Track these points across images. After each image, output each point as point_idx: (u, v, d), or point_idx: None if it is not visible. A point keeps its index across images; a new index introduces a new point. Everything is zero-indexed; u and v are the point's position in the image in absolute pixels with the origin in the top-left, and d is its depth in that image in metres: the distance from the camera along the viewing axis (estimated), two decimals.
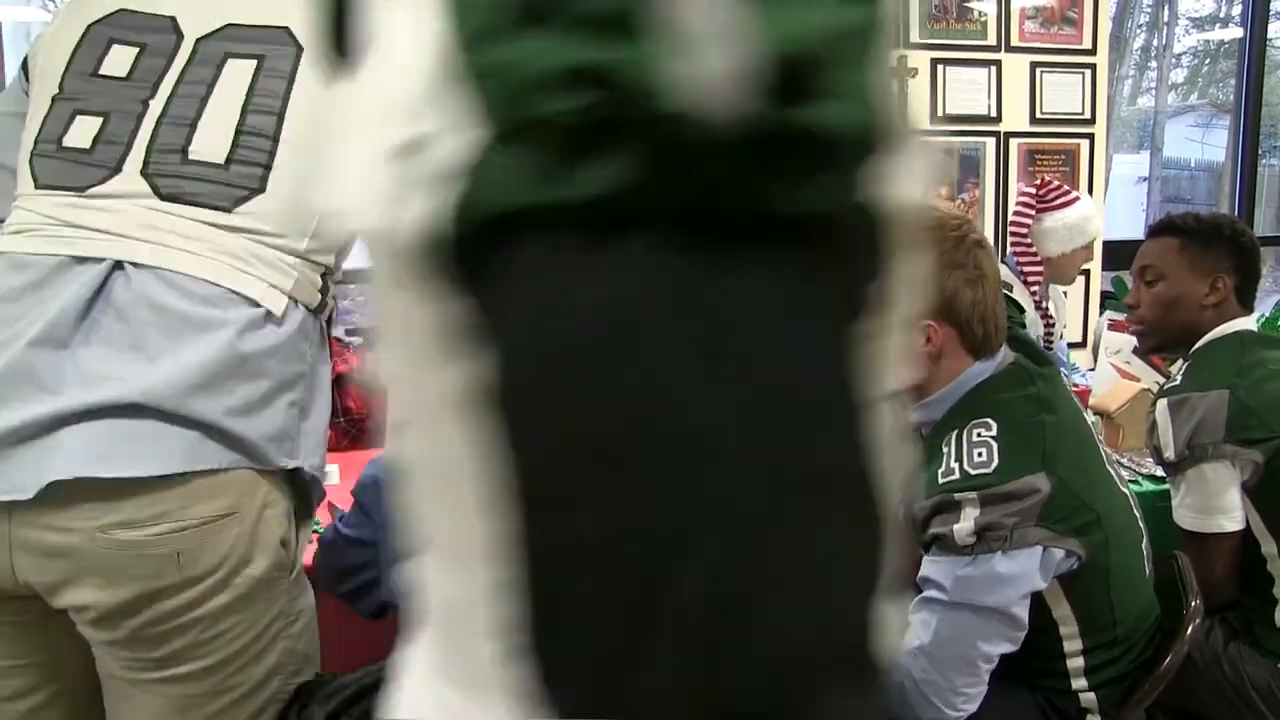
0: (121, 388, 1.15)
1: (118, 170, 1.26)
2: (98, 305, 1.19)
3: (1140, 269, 1.93)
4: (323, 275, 1.35)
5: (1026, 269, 2.79)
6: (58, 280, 1.20)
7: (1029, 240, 2.80)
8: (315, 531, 1.70)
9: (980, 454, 1.43)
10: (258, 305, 1.24)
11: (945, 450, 1.47)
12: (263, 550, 1.25)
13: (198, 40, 1.32)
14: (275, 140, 1.29)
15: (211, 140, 1.27)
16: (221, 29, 1.33)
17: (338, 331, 2.49)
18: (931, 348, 1.49)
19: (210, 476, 1.19)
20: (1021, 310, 2.72)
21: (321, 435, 1.34)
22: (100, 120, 1.28)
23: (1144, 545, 1.58)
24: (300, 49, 1.31)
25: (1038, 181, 2.83)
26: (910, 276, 0.35)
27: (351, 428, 2.51)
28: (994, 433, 1.44)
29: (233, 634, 1.24)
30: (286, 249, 1.28)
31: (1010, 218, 2.86)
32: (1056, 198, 2.81)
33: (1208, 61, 16.15)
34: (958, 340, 1.50)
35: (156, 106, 1.29)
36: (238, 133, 1.28)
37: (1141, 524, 1.59)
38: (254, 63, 1.31)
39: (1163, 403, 1.76)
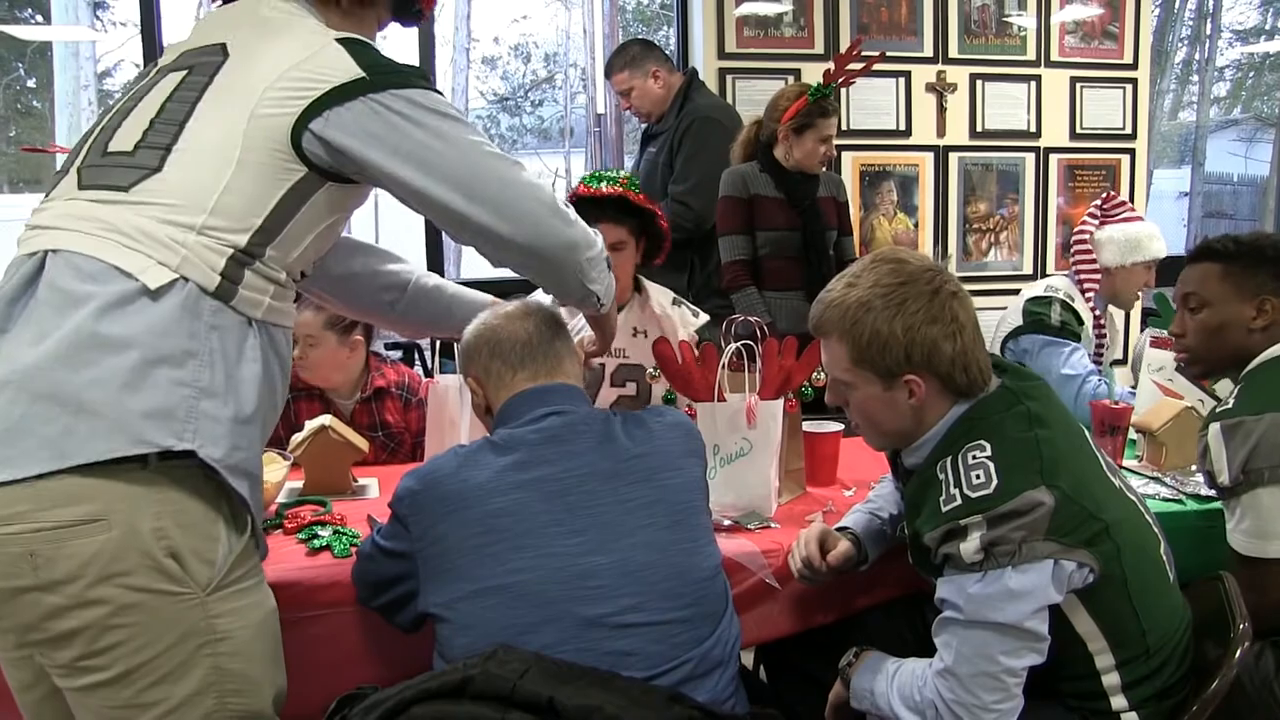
0: (11, 373, 1.22)
1: (65, 174, 1.38)
2: (29, 292, 1.28)
3: (1183, 296, 1.91)
4: (235, 260, 1.32)
5: (1084, 276, 2.84)
6: (11, 277, 1.31)
7: (1089, 247, 2.85)
8: (354, 546, 1.71)
9: (978, 476, 1.43)
10: (134, 279, 1.25)
11: (942, 477, 1.47)
12: (141, 562, 1.23)
13: (156, 71, 1.44)
14: (182, 126, 1.34)
15: (127, 134, 1.36)
16: (179, 56, 1.43)
17: (376, 345, 2.51)
18: (916, 400, 1.51)
19: (70, 479, 1.20)
20: (1080, 322, 2.74)
21: (241, 427, 1.30)
22: (86, 144, 1.41)
23: (1163, 551, 1.57)
24: (226, 57, 1.38)
25: (1104, 195, 2.95)
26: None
27: (390, 441, 2.53)
28: (989, 453, 1.44)
29: (129, 647, 1.24)
30: (179, 224, 1.28)
31: (1076, 227, 2.93)
32: (1120, 212, 2.87)
33: (1251, 75, 15.95)
34: (941, 389, 1.52)
35: (109, 123, 1.40)
36: (150, 124, 1.35)
37: (1157, 530, 1.58)
38: (184, 73, 1.40)
39: (1215, 426, 1.74)
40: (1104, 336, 2.85)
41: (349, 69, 1.35)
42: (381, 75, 1.36)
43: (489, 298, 1.88)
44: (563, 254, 1.46)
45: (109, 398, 1.21)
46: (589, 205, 2.39)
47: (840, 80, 3.16)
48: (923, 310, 1.48)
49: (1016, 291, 3.04)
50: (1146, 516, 1.57)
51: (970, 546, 1.40)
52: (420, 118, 1.37)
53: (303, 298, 1.77)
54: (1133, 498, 1.56)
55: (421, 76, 1.40)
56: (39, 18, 11.81)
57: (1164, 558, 1.56)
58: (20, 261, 1.32)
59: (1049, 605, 1.40)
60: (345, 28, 1.46)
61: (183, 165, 1.31)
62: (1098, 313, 2.83)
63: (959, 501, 1.43)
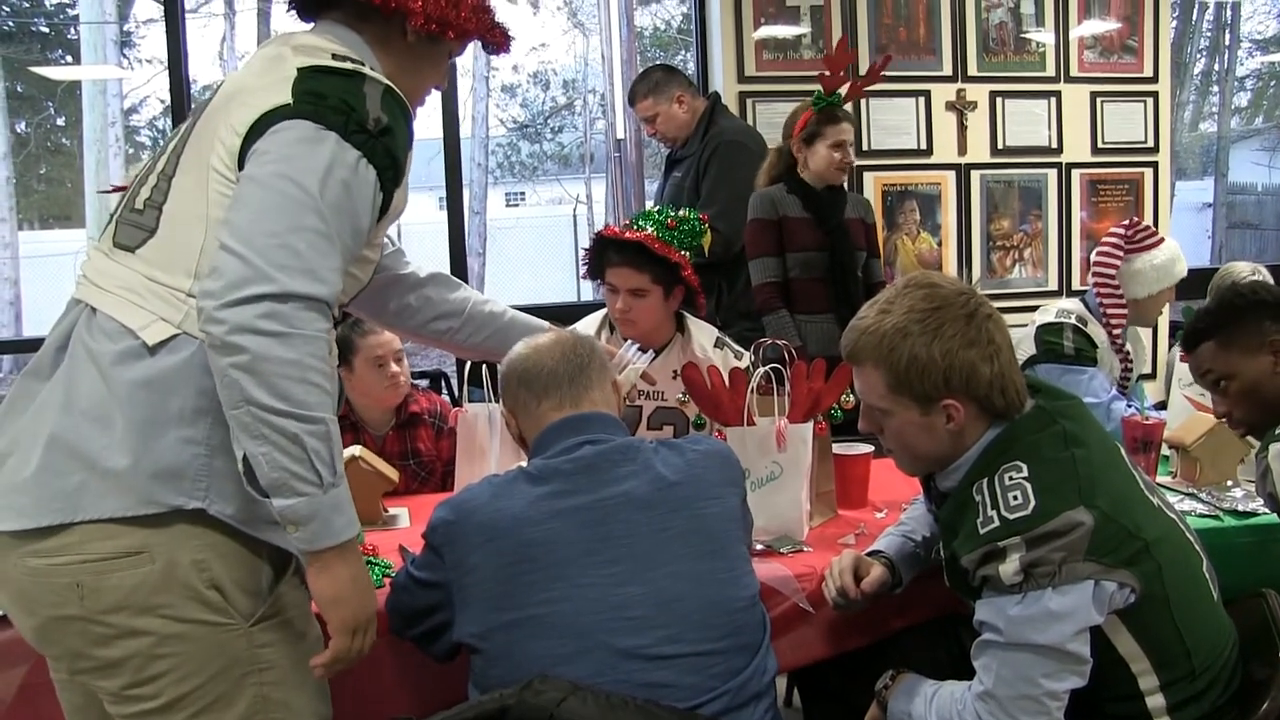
0: (41, 421, 1.27)
1: (111, 220, 1.39)
2: (69, 342, 1.31)
3: (1210, 383, 1.90)
4: None
5: (1111, 311, 2.74)
6: (61, 321, 1.35)
7: (1116, 282, 2.74)
8: (387, 575, 1.72)
9: (1016, 497, 1.42)
10: (136, 336, 1.26)
11: (979, 499, 1.46)
12: (183, 593, 1.26)
13: (194, 110, 1.43)
14: (170, 182, 1.33)
15: (146, 188, 1.36)
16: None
17: (407, 373, 2.52)
18: (955, 425, 1.50)
19: (105, 522, 1.23)
20: (1094, 345, 2.68)
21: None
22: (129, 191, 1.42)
23: (1205, 569, 1.55)
24: (210, 100, 1.38)
25: (1125, 222, 2.79)
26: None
27: (420, 470, 2.54)
28: (1026, 474, 1.44)
29: (175, 675, 1.27)
30: (174, 287, 1.27)
31: (1096, 259, 2.80)
32: (1145, 239, 2.75)
33: (1273, 84, 15.85)
34: (979, 412, 1.51)
35: (144, 171, 1.41)
36: (157, 179, 1.35)
37: (1199, 548, 1.56)
38: (192, 118, 1.39)
39: (1276, 447, 1.72)
40: (1130, 361, 2.80)
41: (283, 96, 1.27)
42: (303, 104, 1.26)
43: (544, 323, 1.88)
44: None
45: (121, 457, 1.23)
46: (612, 247, 2.41)
47: (848, 94, 3.16)
48: (960, 334, 1.47)
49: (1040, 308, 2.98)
50: (1187, 534, 1.55)
51: (1009, 568, 1.39)
52: (286, 152, 1.24)
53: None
54: (1172, 515, 1.54)
55: (345, 111, 1.27)
56: (69, 58, 12.03)
57: (1207, 576, 1.54)
58: (71, 305, 1.35)
59: (1090, 626, 1.39)
60: (407, 65, 1.44)
61: (171, 226, 1.30)
62: (1120, 341, 2.76)
63: (997, 523, 1.42)
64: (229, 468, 1.26)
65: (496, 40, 1.51)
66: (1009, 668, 1.40)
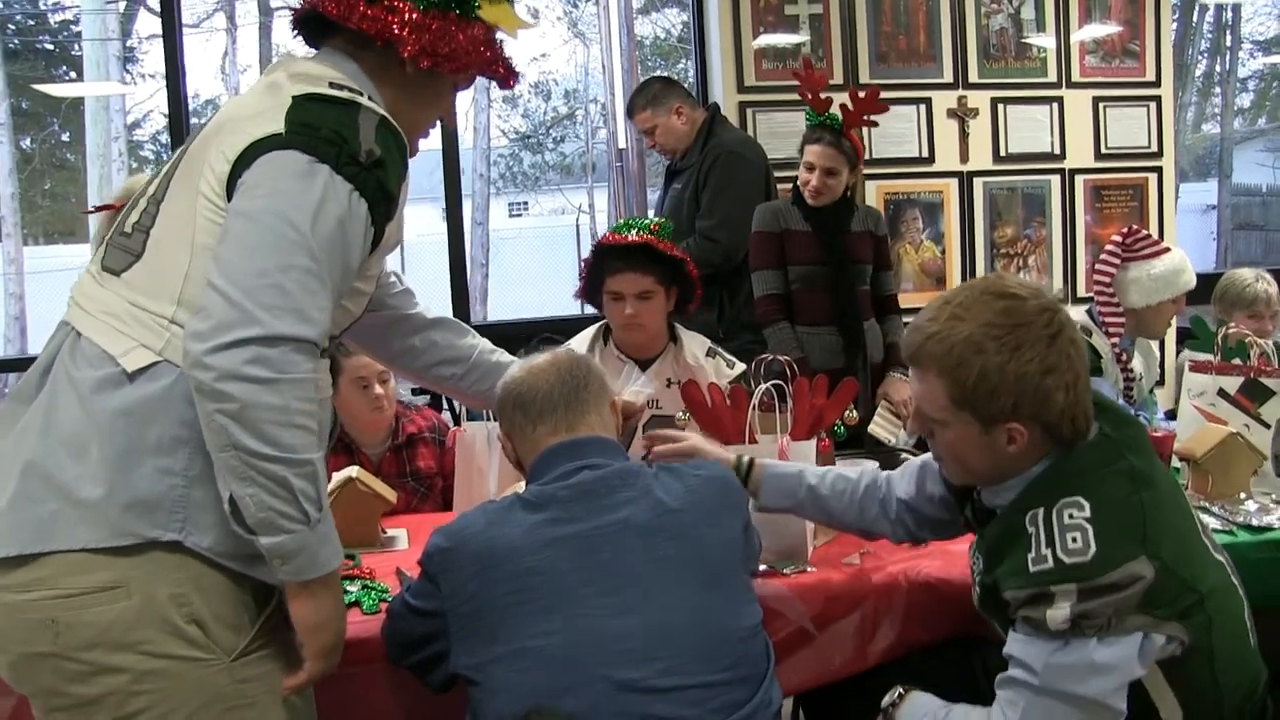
0: (20, 447, 1.25)
1: (101, 242, 1.37)
2: (54, 364, 1.30)
3: None
4: None
5: (1108, 320, 2.69)
6: (49, 343, 1.34)
7: (1111, 290, 2.70)
8: (384, 601, 1.69)
9: (1075, 539, 1.31)
10: (116, 363, 1.24)
11: (1032, 531, 1.35)
12: (161, 629, 1.23)
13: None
14: (159, 206, 1.32)
15: (136, 211, 1.34)
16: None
17: (404, 394, 2.50)
18: (1016, 449, 1.39)
19: (82, 554, 1.20)
20: (1098, 356, 2.64)
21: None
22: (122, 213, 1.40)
23: (1246, 614, 1.46)
24: (204, 124, 1.37)
25: (1125, 230, 2.74)
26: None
27: (420, 486, 2.51)
28: (1088, 514, 1.32)
29: (156, 712, 1.24)
30: (156, 313, 1.25)
31: (1095, 267, 2.77)
32: (1144, 248, 2.70)
33: (1275, 84, 15.83)
34: (1044, 436, 1.39)
35: (137, 195, 1.40)
36: (147, 203, 1.34)
37: (1242, 591, 1.47)
38: (186, 145, 1.37)
39: None
40: (1130, 374, 2.75)
41: (275, 125, 1.25)
42: (295, 134, 1.24)
43: None
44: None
45: (94, 487, 1.21)
46: (615, 254, 2.41)
47: (846, 121, 3.13)
48: (1039, 358, 1.35)
49: None
50: (1233, 577, 1.46)
51: (1058, 615, 1.29)
52: (273, 185, 1.22)
53: None
54: (1221, 558, 1.46)
55: (338, 142, 1.25)
56: (73, 74, 12.08)
57: (1247, 622, 1.46)
58: (59, 327, 1.34)
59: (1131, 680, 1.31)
60: (406, 96, 1.42)
61: (157, 251, 1.29)
62: (1119, 352, 2.71)
63: (1050, 564, 1.32)
64: (207, 499, 1.23)
65: (500, 75, 1.49)
66: (1038, 712, 1.32)
